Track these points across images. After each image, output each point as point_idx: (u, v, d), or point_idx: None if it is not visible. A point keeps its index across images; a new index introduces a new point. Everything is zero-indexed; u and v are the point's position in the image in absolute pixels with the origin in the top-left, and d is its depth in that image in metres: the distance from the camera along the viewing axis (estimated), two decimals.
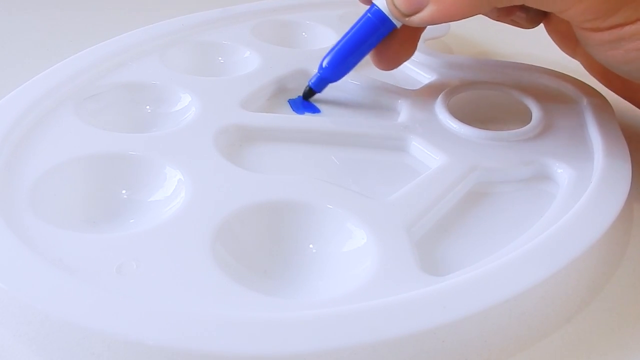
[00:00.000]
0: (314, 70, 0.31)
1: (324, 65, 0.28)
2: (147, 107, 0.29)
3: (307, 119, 0.28)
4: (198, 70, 0.31)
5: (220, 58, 0.33)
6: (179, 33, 0.33)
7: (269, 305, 0.18)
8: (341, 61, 0.28)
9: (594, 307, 0.21)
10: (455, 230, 0.23)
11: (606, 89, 0.30)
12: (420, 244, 0.21)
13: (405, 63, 0.28)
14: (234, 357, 0.17)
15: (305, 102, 0.30)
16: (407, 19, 0.25)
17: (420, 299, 0.18)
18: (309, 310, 0.18)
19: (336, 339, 0.17)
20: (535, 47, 0.37)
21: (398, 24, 0.27)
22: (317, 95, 0.30)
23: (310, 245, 0.21)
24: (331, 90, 0.30)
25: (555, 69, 0.32)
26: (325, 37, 0.36)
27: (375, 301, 0.18)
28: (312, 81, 0.29)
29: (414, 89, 0.30)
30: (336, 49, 0.28)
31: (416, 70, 0.32)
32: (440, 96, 0.29)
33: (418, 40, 0.28)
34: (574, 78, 0.31)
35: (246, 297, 0.18)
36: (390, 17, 0.26)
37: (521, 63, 0.33)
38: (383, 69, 0.29)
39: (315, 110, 0.29)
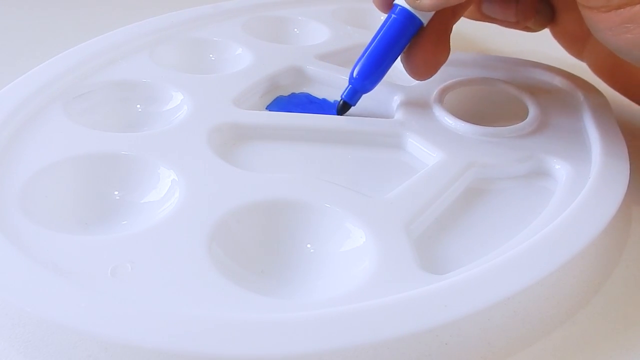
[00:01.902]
0: (307, 67, 0.31)
1: (354, 75, 0.26)
2: (138, 105, 0.28)
3: (300, 116, 0.27)
4: (189, 67, 0.31)
5: (211, 55, 0.33)
6: (169, 30, 0.33)
7: (266, 306, 0.18)
8: (373, 69, 0.26)
9: (594, 305, 0.21)
10: (454, 228, 0.23)
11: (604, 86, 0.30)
12: (419, 242, 0.21)
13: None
14: (232, 359, 0.16)
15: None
16: (417, 2, 0.25)
17: (421, 298, 0.18)
18: (307, 311, 0.17)
19: (335, 339, 0.17)
20: (531, 43, 0.37)
21: (424, 20, 0.26)
22: (313, 94, 0.29)
23: (308, 245, 0.21)
24: (325, 88, 0.30)
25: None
26: (317, 33, 0.36)
27: (375, 301, 0.18)
28: (345, 94, 0.27)
29: (409, 85, 0.30)
30: (365, 56, 0.26)
31: None
32: (435, 92, 0.29)
33: (449, 39, 0.27)
34: (570, 73, 0.31)
35: (243, 297, 0.18)
36: (415, 13, 0.25)
37: (516, 58, 0.33)
38: (420, 78, 0.27)
39: None
